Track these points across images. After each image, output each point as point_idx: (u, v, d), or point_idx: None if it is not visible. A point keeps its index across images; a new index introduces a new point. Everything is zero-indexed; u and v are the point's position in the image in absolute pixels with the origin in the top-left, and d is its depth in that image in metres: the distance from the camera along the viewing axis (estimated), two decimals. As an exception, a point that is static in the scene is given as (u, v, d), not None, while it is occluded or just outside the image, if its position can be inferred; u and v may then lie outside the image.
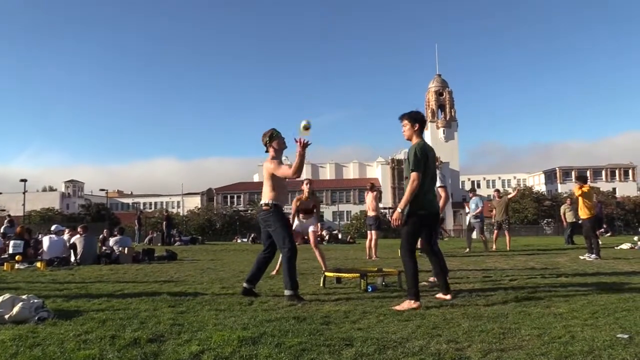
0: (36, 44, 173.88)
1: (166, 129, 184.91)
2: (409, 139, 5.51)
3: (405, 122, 5.48)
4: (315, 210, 8.92)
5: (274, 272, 8.15)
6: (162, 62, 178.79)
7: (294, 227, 8.56)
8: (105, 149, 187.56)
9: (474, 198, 15.58)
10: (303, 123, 5.40)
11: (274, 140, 5.86)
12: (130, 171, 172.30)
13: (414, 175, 5.17)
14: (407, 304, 4.87)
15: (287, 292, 5.51)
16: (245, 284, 5.89)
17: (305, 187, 8.86)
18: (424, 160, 5.25)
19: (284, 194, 5.86)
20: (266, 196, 5.81)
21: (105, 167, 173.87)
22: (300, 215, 8.85)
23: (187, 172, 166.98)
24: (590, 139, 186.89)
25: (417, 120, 5.47)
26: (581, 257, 10.84)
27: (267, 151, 5.91)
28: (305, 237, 9.10)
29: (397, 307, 4.86)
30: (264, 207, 5.78)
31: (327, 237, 26.60)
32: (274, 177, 5.76)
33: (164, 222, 26.50)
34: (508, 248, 14.82)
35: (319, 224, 9.01)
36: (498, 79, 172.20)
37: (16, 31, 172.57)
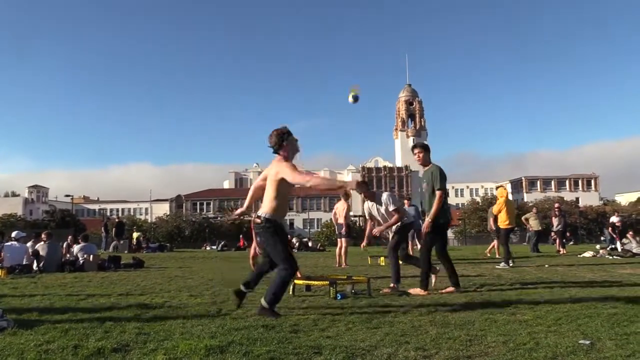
0: (4, 46, 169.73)
1: (142, 134, 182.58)
2: (425, 165, 6.82)
3: (419, 150, 6.84)
4: None
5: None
6: (140, 66, 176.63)
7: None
8: (77, 153, 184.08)
9: (409, 207, 15.24)
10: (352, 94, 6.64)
11: (288, 141, 5.06)
12: (103, 177, 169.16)
13: (440, 193, 6.51)
14: (418, 291, 6.52)
15: (263, 303, 4.92)
16: (241, 287, 5.39)
17: None
18: (445, 180, 6.63)
19: (285, 205, 5.13)
20: (264, 207, 5.04)
21: (77, 173, 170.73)
22: None
23: (162, 178, 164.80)
24: (561, 148, 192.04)
25: (428, 148, 6.88)
26: (497, 267, 11.19)
27: (276, 152, 5.09)
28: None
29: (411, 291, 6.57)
30: (256, 220, 5.04)
31: (297, 245, 26.54)
32: (281, 184, 4.98)
33: (114, 229, 24.46)
34: (498, 255, 15.30)
35: None
36: (473, 89, 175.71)
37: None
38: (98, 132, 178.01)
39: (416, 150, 6.85)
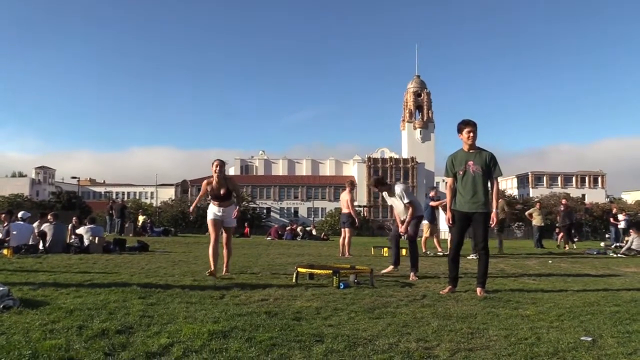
0: (24, 31, 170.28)
1: (166, 119, 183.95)
2: (473, 146, 5.92)
3: (474, 129, 5.88)
4: (233, 196, 7.40)
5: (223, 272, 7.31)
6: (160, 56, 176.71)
7: (212, 217, 7.29)
8: (100, 136, 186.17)
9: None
10: None
11: None
12: (126, 160, 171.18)
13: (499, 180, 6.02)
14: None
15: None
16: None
17: (214, 169, 7.18)
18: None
19: None
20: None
21: (100, 155, 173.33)
22: (216, 203, 7.30)
23: (184, 162, 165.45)
24: (583, 142, 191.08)
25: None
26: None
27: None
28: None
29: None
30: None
31: (301, 233, 26.62)
32: None
33: (117, 211, 24.52)
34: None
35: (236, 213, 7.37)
36: (486, 83, 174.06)
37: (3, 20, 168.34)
38: (122, 116, 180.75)
39: (472, 129, 5.87)
